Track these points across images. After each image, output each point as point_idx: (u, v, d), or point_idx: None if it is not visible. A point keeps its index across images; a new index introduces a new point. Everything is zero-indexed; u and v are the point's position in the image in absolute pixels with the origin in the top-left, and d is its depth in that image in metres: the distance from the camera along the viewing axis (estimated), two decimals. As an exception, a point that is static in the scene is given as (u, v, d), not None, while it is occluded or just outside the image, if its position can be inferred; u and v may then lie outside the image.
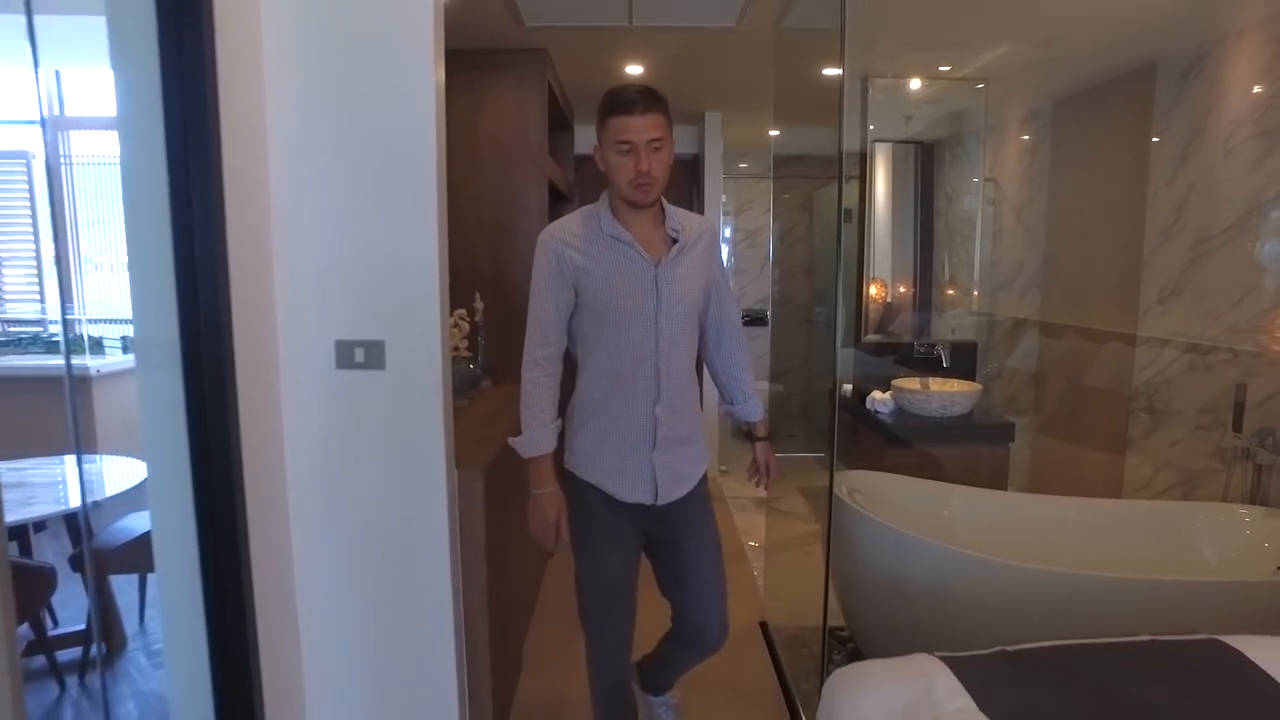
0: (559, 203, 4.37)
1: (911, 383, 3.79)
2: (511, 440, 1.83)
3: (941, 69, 3.88)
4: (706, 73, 3.87)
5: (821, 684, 1.52)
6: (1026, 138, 4.43)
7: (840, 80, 2.27)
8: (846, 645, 2.73)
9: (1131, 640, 1.44)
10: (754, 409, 2.03)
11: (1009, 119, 4.54)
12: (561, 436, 1.88)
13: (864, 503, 2.63)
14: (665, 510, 1.84)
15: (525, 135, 3.40)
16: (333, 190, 1.86)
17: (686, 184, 5.40)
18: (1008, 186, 4.62)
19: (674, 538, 1.88)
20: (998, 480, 3.57)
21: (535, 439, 1.80)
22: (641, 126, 1.67)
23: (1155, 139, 3.47)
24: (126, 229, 1.67)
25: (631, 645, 1.92)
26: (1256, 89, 2.96)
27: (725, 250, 5.23)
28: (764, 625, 3.00)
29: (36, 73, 1.98)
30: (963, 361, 4.10)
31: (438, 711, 2.05)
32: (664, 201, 1.82)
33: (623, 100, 1.68)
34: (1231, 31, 3.05)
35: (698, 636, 1.93)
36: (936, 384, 3.80)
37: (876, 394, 3.82)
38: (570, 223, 1.80)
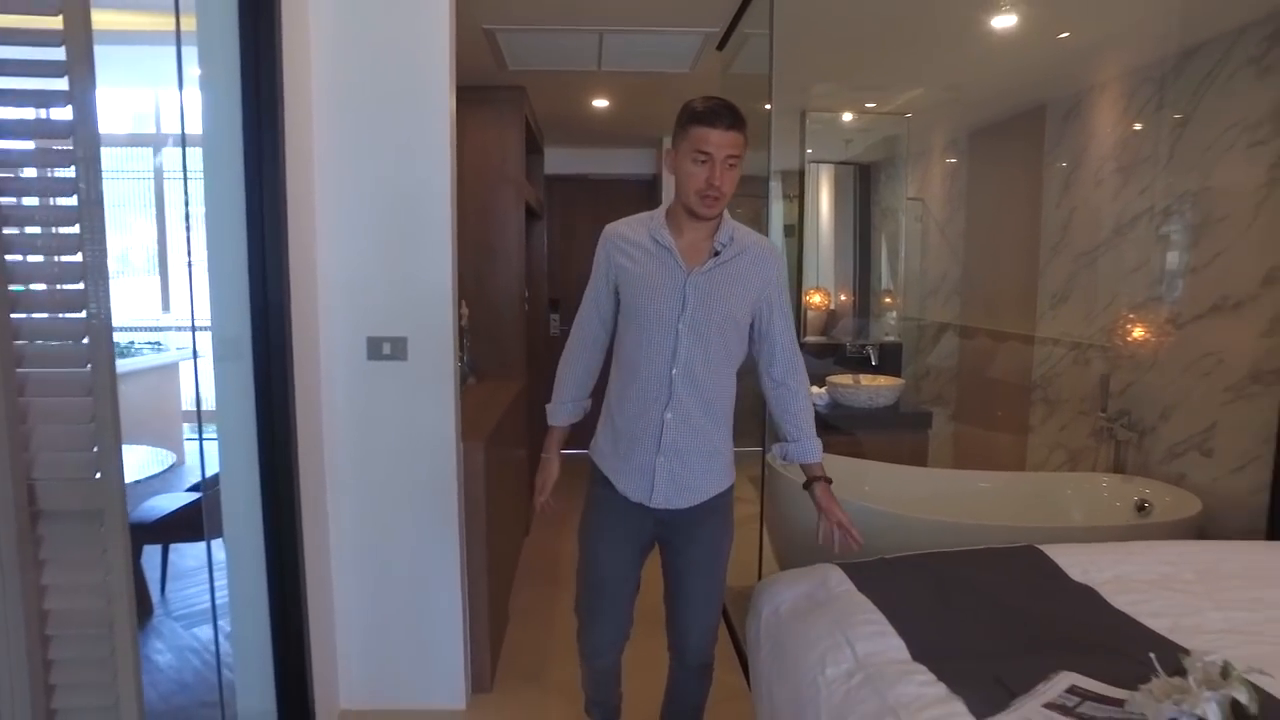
0: (532, 220, 4.84)
1: (844, 378, 4.34)
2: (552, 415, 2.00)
3: (868, 105, 4.45)
4: (664, 104, 4.38)
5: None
6: (951, 161, 5.03)
7: (768, 115, 2.79)
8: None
9: (975, 549, 1.98)
10: (808, 449, 1.93)
11: (933, 145, 5.13)
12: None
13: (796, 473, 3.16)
14: (674, 517, 1.84)
15: (505, 163, 3.88)
16: (366, 217, 2.33)
17: (644, 202, 5.91)
18: (934, 205, 5.21)
19: (678, 544, 1.88)
20: (918, 460, 4.14)
21: (553, 410, 1.99)
22: (721, 141, 1.69)
23: (1047, 167, 4.08)
24: (208, 239, 2.09)
25: (620, 646, 1.97)
26: (1110, 132, 3.58)
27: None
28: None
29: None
30: (891, 360, 4.68)
31: (445, 651, 2.51)
32: (726, 215, 1.84)
33: (709, 112, 1.69)
34: (1098, 82, 3.66)
35: (676, 644, 1.95)
36: (867, 379, 4.36)
37: (813, 389, 4.36)
38: (627, 224, 1.88)
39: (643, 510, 1.84)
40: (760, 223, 6.74)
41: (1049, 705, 1.28)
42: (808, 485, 1.93)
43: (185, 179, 1.88)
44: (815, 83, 3.94)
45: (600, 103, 4.28)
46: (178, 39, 1.75)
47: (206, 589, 3.58)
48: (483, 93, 3.86)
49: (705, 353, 1.79)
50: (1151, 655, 1.27)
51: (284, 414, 2.13)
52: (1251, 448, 2.88)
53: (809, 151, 4.75)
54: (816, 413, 4.16)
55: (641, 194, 5.88)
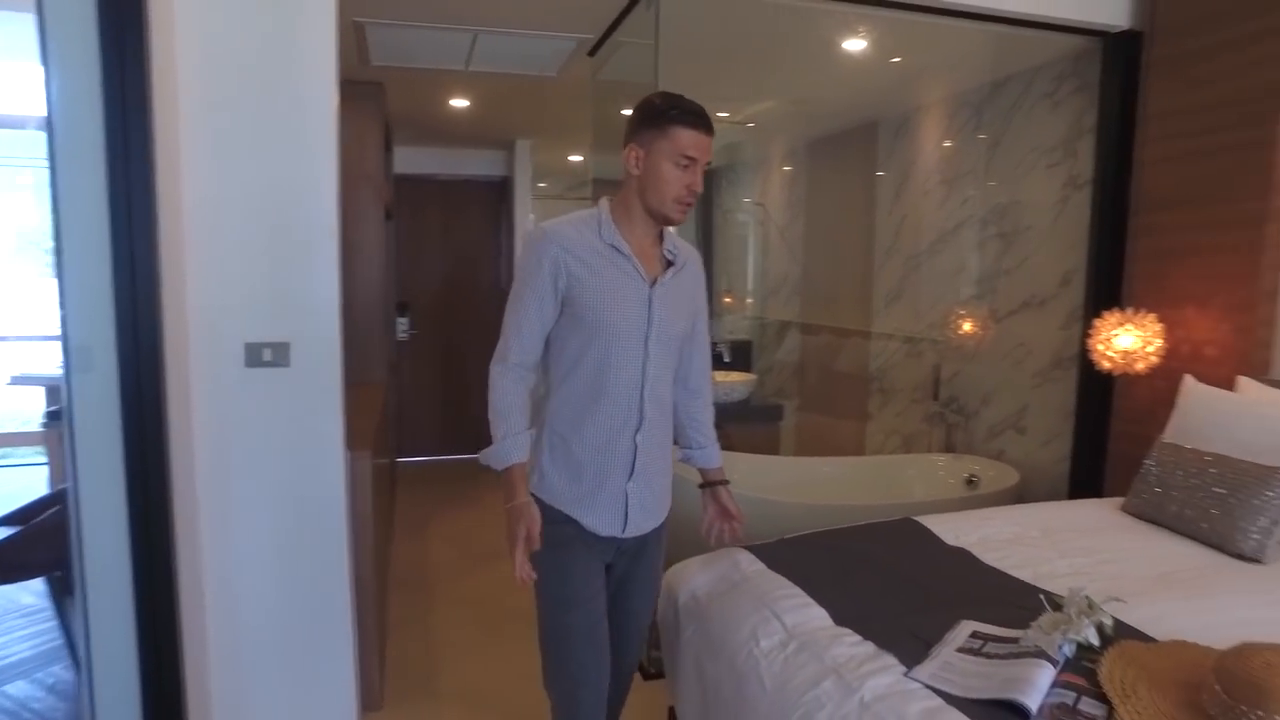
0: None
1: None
2: (483, 454, 1.65)
3: (720, 114, 4.69)
4: (522, 106, 4.39)
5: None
6: (788, 169, 5.38)
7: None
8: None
9: (860, 525, 2.18)
10: (713, 454, 1.89)
11: (774, 154, 5.48)
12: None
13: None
14: (628, 541, 1.72)
15: (364, 161, 3.72)
16: (241, 216, 2.17)
17: (495, 203, 5.86)
18: (774, 210, 5.56)
19: (626, 562, 1.75)
20: (771, 449, 4.42)
21: (509, 448, 1.62)
22: (705, 145, 1.59)
23: (879, 176, 4.48)
24: (56, 234, 1.87)
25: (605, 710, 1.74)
26: (934, 149, 4.02)
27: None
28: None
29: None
30: (742, 357, 4.96)
31: (334, 671, 2.39)
32: None
33: (696, 115, 1.58)
34: (924, 104, 4.09)
35: (616, 660, 1.76)
36: (720, 376, 4.58)
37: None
38: (571, 225, 1.63)
39: (608, 542, 1.68)
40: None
41: (960, 650, 1.45)
42: (706, 486, 1.89)
43: (53, 166, 1.68)
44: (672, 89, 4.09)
45: (459, 102, 4.21)
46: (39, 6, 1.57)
47: (13, 637, 3.18)
48: (342, 88, 3.67)
49: (667, 370, 1.70)
50: (1042, 595, 1.49)
51: (155, 429, 1.95)
52: (1055, 424, 3.35)
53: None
54: (678, 409, 4.38)
55: (493, 196, 5.83)
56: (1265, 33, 2.47)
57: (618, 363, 1.62)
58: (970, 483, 3.54)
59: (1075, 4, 2.86)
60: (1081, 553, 1.97)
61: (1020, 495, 3.27)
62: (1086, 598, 1.47)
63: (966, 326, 3.68)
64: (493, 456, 1.64)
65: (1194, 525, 2.08)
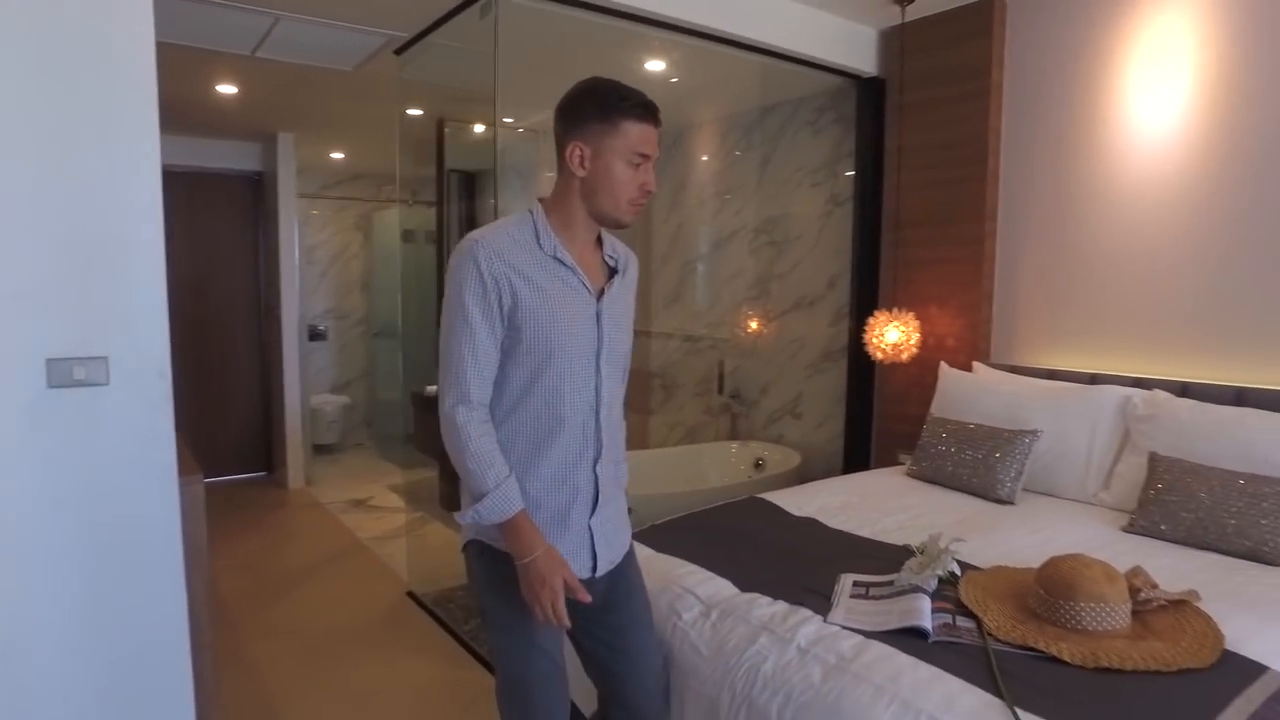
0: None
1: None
2: (470, 512, 1.41)
3: (505, 120, 4.73)
4: (296, 98, 4.08)
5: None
6: (550, 175, 5.53)
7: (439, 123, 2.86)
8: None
9: (715, 505, 2.43)
10: (625, 470, 1.64)
11: (542, 161, 5.61)
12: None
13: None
14: (599, 581, 1.52)
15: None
16: (38, 215, 1.85)
17: (249, 201, 5.34)
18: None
19: (615, 600, 1.56)
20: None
21: (507, 496, 1.39)
22: (657, 141, 1.45)
23: (658, 187, 4.82)
24: None
25: None
26: (709, 163, 4.46)
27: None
28: (412, 594, 3.44)
29: None
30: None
31: (171, 702, 2.13)
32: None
33: (647, 105, 1.42)
34: (698, 122, 4.50)
35: (637, 703, 1.58)
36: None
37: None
38: (502, 236, 1.42)
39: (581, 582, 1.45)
40: (378, 229, 6.56)
41: (853, 597, 1.73)
42: None
43: None
44: (465, 93, 4.07)
45: (227, 89, 3.81)
46: None
47: None
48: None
49: (620, 389, 1.56)
50: (908, 544, 1.82)
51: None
52: (826, 409, 3.90)
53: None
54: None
55: (246, 190, 5.29)
56: (969, 95, 3.14)
57: (571, 390, 1.44)
58: (758, 465, 3.99)
59: (833, 48, 3.36)
60: (899, 510, 2.38)
61: (803, 473, 3.76)
62: (940, 541, 1.83)
63: (747, 325, 4.13)
64: (490, 512, 1.38)
65: (965, 480, 2.61)
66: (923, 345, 3.21)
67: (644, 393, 5.01)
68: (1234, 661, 1.47)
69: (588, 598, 1.42)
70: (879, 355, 3.19)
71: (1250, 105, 2.49)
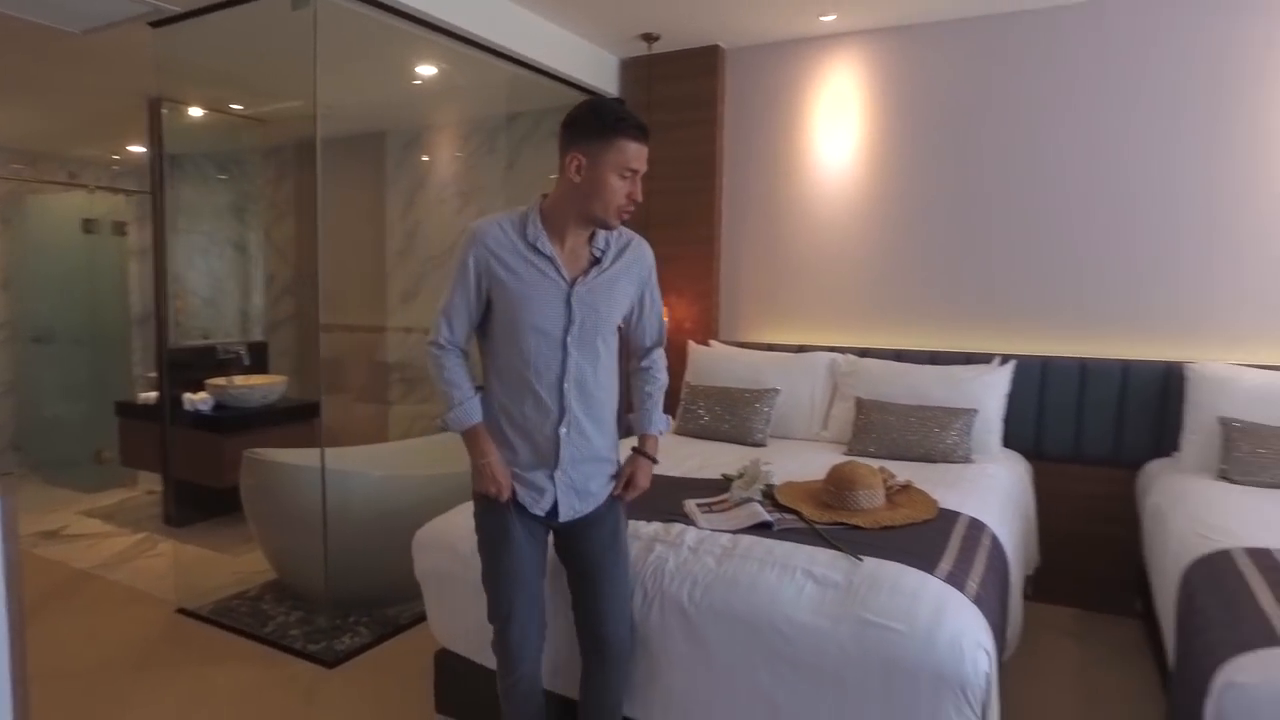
0: None
1: (219, 381, 4.27)
2: (442, 419, 1.76)
3: (233, 106, 4.42)
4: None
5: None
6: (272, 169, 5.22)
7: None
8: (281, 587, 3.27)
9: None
10: (643, 422, 1.90)
11: (279, 152, 5.24)
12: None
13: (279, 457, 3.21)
14: (574, 521, 1.80)
15: None
16: None
17: None
18: (263, 208, 5.24)
19: (582, 531, 1.82)
20: (314, 441, 4.42)
21: (468, 411, 1.74)
22: (646, 157, 1.67)
23: (390, 185, 4.87)
24: None
25: (541, 648, 1.87)
26: (450, 164, 4.68)
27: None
28: (185, 610, 3.16)
29: None
30: (261, 358, 4.76)
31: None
32: None
33: (641, 127, 1.64)
34: (437, 124, 4.68)
35: (599, 637, 1.83)
36: (242, 380, 4.38)
37: (190, 395, 4.14)
38: (498, 226, 1.71)
39: (545, 519, 1.78)
40: (39, 215, 5.42)
41: (705, 513, 2.22)
42: (635, 450, 1.90)
43: None
44: (187, 74, 3.77)
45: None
46: None
47: None
48: None
49: (594, 365, 1.75)
50: (724, 474, 2.36)
51: None
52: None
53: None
54: (203, 416, 4.04)
55: None
56: (700, 122, 3.86)
57: (536, 360, 1.70)
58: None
59: (583, 68, 3.83)
60: (689, 458, 2.93)
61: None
62: (760, 465, 2.40)
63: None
64: (454, 422, 1.75)
65: (726, 432, 3.28)
66: (674, 327, 3.85)
67: (382, 386, 5.03)
68: (946, 514, 2.25)
69: (506, 496, 1.75)
70: (638, 336, 3.75)
71: (899, 142, 3.52)
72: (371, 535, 2.99)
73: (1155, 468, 2.94)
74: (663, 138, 3.94)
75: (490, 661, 1.93)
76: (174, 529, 4.14)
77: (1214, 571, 1.90)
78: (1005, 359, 3.23)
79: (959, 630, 1.66)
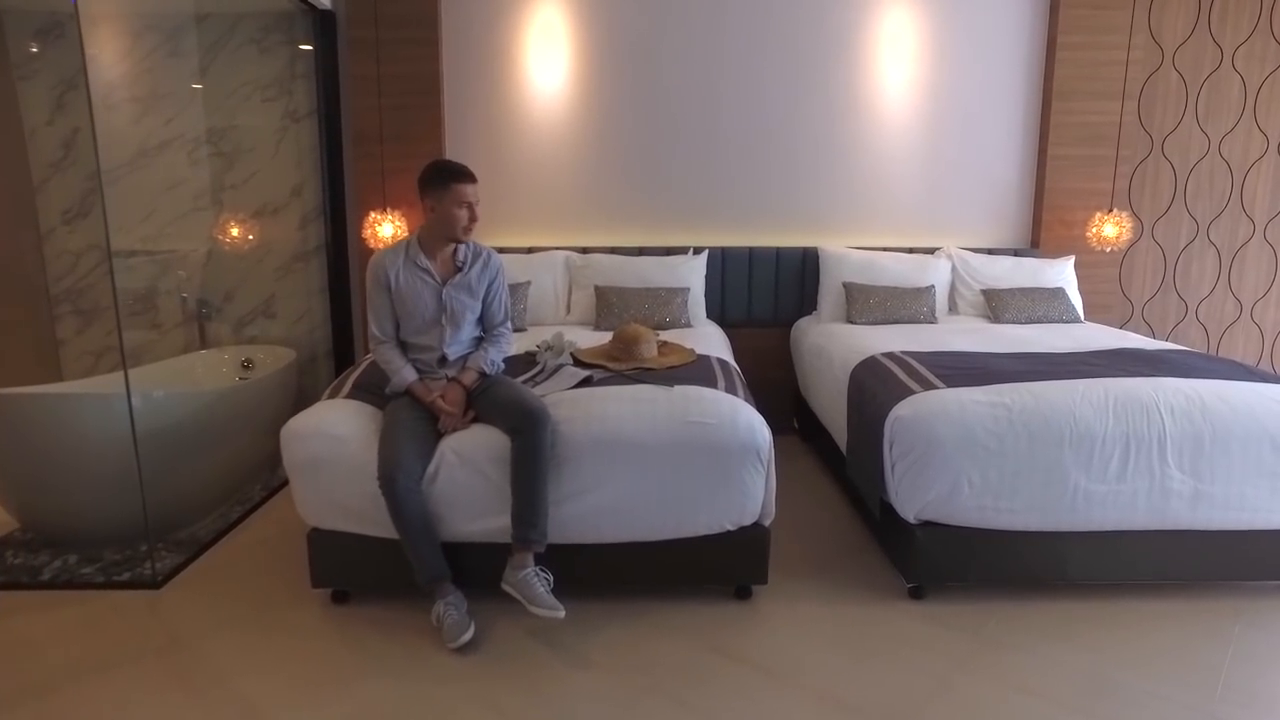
0: None
1: None
2: (390, 387, 2.59)
3: None
4: None
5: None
6: None
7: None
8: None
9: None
10: (476, 360, 2.64)
11: None
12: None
13: None
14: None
15: None
16: None
17: None
18: None
19: (484, 395, 2.57)
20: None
21: (405, 377, 2.56)
22: (474, 192, 2.54)
23: (22, 81, 4.16)
24: None
25: (413, 459, 2.35)
26: (119, 64, 4.18)
27: None
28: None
29: None
30: None
31: None
32: None
33: (466, 173, 2.52)
34: (87, 14, 4.09)
35: (524, 409, 2.38)
36: None
37: None
38: (390, 253, 2.60)
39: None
40: None
41: (534, 384, 2.72)
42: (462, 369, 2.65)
43: None
44: None
45: None
46: None
47: None
48: None
49: (463, 330, 2.67)
50: (530, 350, 2.88)
51: None
52: (301, 305, 4.38)
53: None
54: None
55: None
56: (420, 41, 4.08)
57: (419, 335, 2.62)
58: (246, 366, 4.22)
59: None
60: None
61: (300, 365, 4.22)
62: (563, 336, 2.95)
63: (206, 235, 4.21)
64: (397, 385, 2.58)
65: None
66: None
67: (43, 324, 4.40)
68: (702, 357, 3.05)
69: (450, 410, 2.52)
70: (374, 243, 3.94)
71: (598, 69, 4.16)
72: (162, 457, 2.92)
73: (804, 323, 4.14)
74: (389, 54, 4.10)
75: (363, 529, 2.44)
76: None
77: (869, 367, 2.98)
78: (697, 250, 4.16)
79: (749, 418, 2.46)
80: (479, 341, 2.73)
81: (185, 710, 2.04)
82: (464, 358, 2.66)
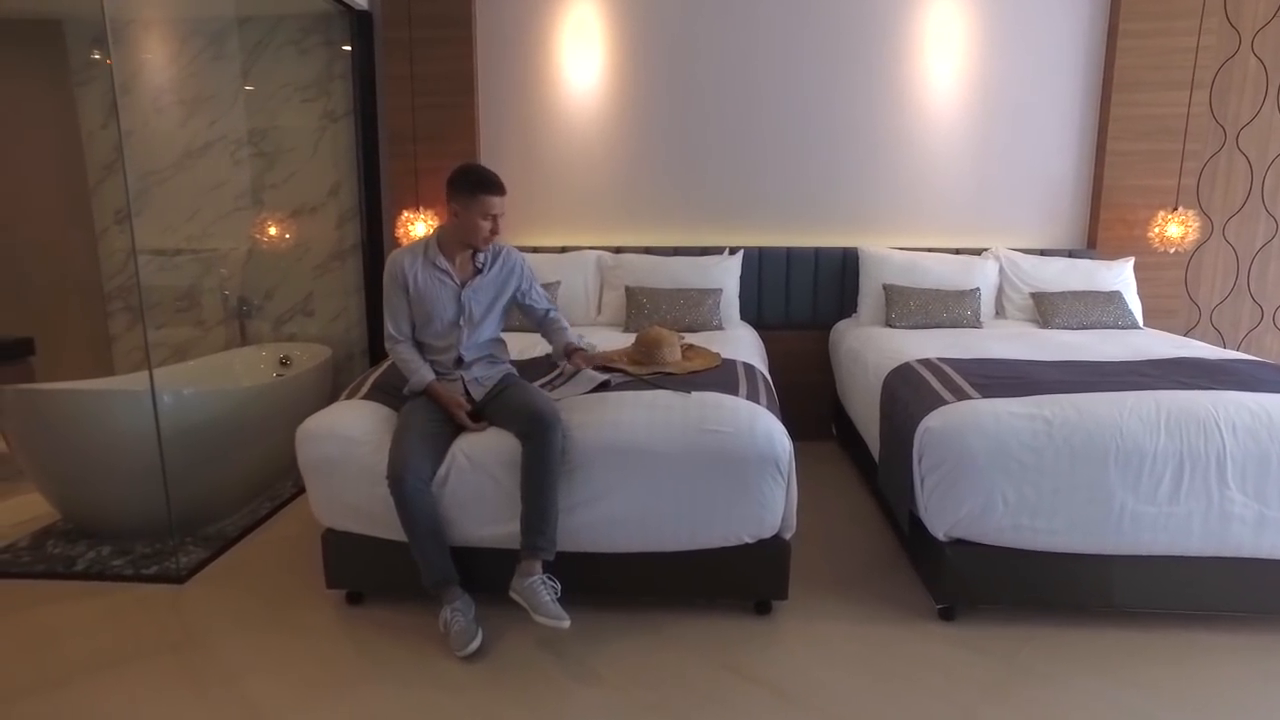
0: None
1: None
2: (408, 387, 2.55)
3: None
4: None
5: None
6: None
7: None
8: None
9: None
10: (563, 340, 2.75)
11: None
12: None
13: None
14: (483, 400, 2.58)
15: None
16: None
17: None
18: None
19: (496, 400, 2.56)
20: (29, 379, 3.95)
21: (420, 380, 2.53)
22: (500, 204, 2.47)
23: (80, 86, 4.30)
24: None
25: (423, 460, 2.31)
26: (167, 68, 4.28)
27: None
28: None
29: None
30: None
31: None
32: None
33: (496, 185, 2.44)
34: (139, 19, 4.20)
35: (534, 412, 2.33)
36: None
37: None
38: (408, 253, 2.55)
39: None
40: None
41: (553, 389, 2.66)
42: (568, 355, 2.73)
43: None
44: None
45: None
46: None
47: None
48: None
49: (482, 330, 2.64)
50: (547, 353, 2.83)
51: None
52: (338, 304, 4.42)
53: None
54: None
55: None
56: (454, 40, 4.07)
57: (436, 338, 2.58)
58: (284, 364, 4.28)
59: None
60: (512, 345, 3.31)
61: (336, 363, 4.26)
62: (583, 338, 2.88)
63: (245, 234, 4.28)
64: (415, 385, 2.55)
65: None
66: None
67: (97, 320, 4.54)
68: (727, 362, 2.95)
69: (465, 406, 2.51)
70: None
71: (634, 66, 4.08)
72: (193, 453, 2.96)
73: (843, 326, 3.99)
74: (424, 54, 4.10)
75: (375, 531, 2.41)
76: None
77: (902, 374, 2.83)
78: (733, 250, 4.05)
79: (768, 427, 2.35)
80: (497, 343, 2.71)
81: (191, 710, 2.04)
82: (481, 359, 2.63)
